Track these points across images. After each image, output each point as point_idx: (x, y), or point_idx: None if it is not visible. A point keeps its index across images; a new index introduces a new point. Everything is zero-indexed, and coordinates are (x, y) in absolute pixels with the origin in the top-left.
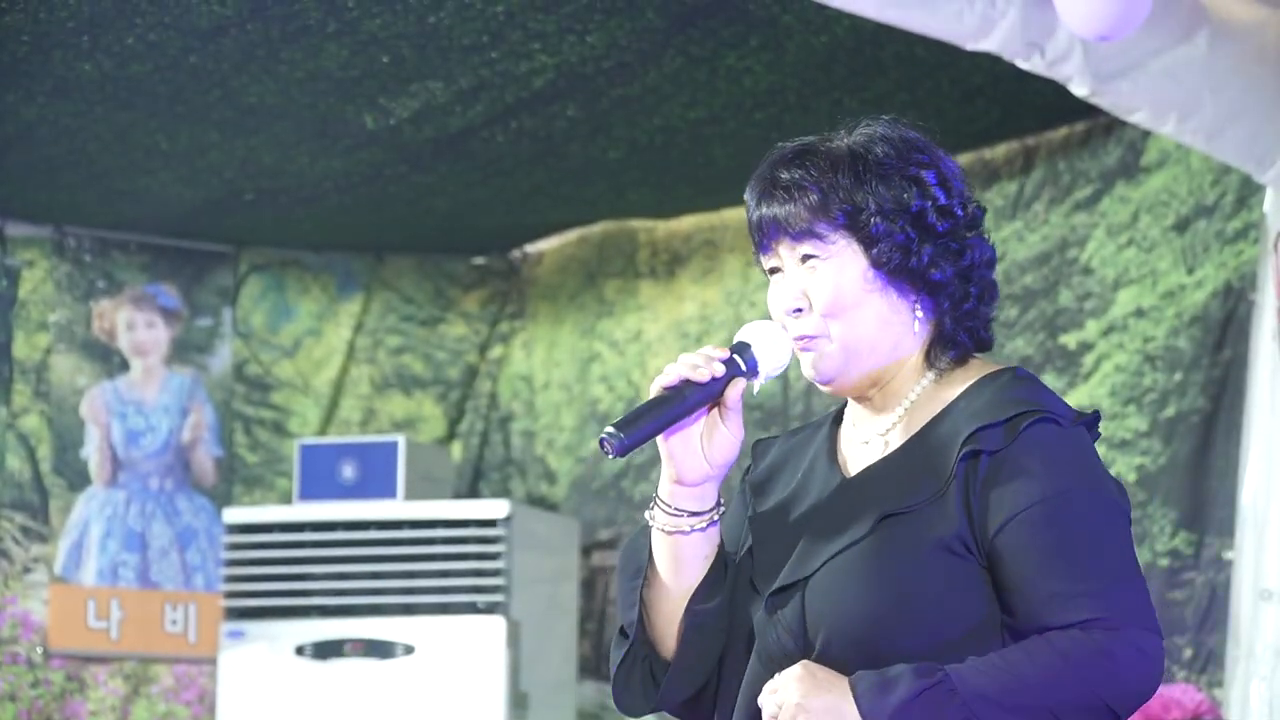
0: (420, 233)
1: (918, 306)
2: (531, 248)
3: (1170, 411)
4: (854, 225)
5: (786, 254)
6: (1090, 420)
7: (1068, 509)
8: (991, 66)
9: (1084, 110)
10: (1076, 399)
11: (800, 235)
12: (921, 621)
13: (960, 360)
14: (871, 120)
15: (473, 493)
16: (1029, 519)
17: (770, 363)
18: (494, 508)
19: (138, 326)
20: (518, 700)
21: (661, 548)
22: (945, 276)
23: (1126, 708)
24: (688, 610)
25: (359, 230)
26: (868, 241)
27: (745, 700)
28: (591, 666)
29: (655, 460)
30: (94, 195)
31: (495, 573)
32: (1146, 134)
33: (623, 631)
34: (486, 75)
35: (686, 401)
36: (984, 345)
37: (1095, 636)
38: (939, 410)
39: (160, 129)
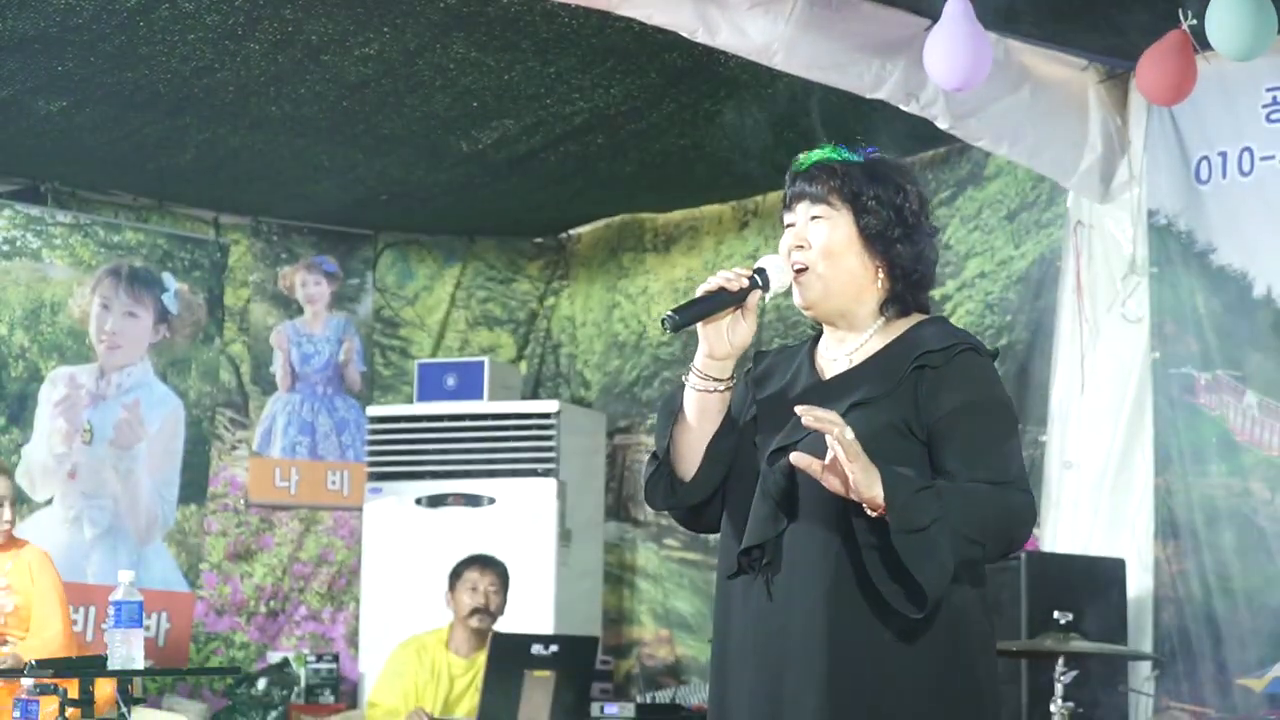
0: (499, 222)
1: (880, 271)
2: (574, 232)
3: (1004, 342)
4: (855, 202)
5: (802, 213)
6: (994, 354)
7: (986, 409)
8: (883, 108)
9: (945, 138)
10: None
11: (817, 200)
12: None
13: (903, 313)
14: (880, 149)
15: (534, 396)
16: (961, 412)
17: (777, 282)
18: (548, 406)
19: (309, 284)
20: (564, 535)
21: (690, 401)
22: (906, 251)
23: (1019, 541)
24: (709, 446)
25: (458, 220)
26: (862, 214)
27: (754, 518)
28: (614, 512)
29: (657, 374)
30: (279, 196)
31: (549, 449)
32: (987, 155)
33: (654, 455)
34: (543, 115)
35: (721, 301)
36: (923, 309)
37: (1010, 491)
38: (893, 339)
39: (324, 152)
